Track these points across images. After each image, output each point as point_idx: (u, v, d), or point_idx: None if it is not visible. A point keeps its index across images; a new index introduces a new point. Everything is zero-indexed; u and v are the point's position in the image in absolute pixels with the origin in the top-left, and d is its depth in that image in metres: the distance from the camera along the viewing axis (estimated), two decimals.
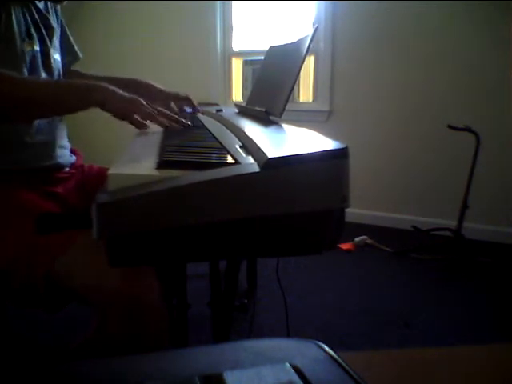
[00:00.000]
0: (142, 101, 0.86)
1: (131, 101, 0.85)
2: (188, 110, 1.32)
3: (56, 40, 1.07)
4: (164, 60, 3.33)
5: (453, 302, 1.87)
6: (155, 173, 0.53)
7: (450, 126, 2.18)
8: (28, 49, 0.94)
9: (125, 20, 3.40)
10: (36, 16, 0.99)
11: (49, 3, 1.06)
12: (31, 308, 0.88)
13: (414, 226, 2.60)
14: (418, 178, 2.72)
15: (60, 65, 1.08)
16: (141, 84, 1.25)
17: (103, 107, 0.83)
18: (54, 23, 1.06)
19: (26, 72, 0.93)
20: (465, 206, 2.22)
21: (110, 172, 0.51)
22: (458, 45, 2.50)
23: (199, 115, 1.27)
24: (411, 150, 2.72)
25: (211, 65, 3.17)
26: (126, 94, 0.85)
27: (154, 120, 0.86)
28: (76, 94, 0.85)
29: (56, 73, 1.05)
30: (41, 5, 1.02)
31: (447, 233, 2.32)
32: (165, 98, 1.22)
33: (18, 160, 0.95)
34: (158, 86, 1.25)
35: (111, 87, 0.84)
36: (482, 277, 2.10)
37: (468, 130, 2.17)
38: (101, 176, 1.14)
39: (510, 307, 1.83)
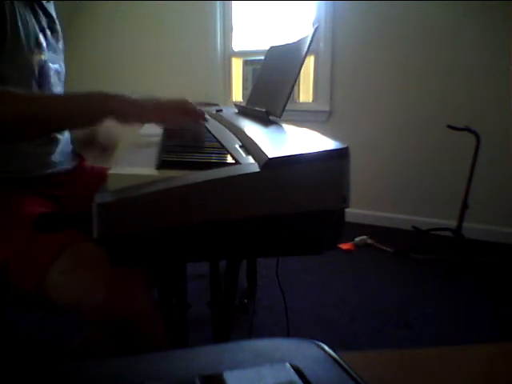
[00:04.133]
0: (161, 101, 0.80)
1: (151, 106, 0.78)
2: None
3: (61, 44, 1.06)
4: (164, 60, 3.33)
5: (453, 302, 1.87)
6: (155, 173, 0.53)
7: (449, 126, 2.18)
8: (37, 59, 0.92)
9: (125, 20, 3.40)
10: (43, 22, 0.96)
11: (54, 3, 1.03)
12: (32, 313, 0.88)
13: (414, 226, 2.60)
14: (417, 178, 2.72)
15: (65, 69, 1.07)
16: None
17: (117, 118, 0.76)
18: (58, 26, 1.05)
19: (34, 83, 0.91)
20: (465, 205, 2.22)
21: (109, 172, 0.51)
22: (458, 45, 2.51)
23: None
24: (411, 150, 2.72)
25: (211, 65, 3.17)
26: (140, 98, 0.78)
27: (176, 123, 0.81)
28: (87, 107, 0.78)
29: (63, 79, 1.05)
30: (50, 6, 1.00)
31: (447, 233, 2.32)
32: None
33: (20, 169, 0.94)
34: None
35: (123, 94, 0.77)
36: (481, 277, 2.10)
37: (468, 130, 2.17)
38: (103, 176, 1.12)
39: (510, 307, 1.83)
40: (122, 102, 0.76)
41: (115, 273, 0.71)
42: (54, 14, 1.03)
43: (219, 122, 1.03)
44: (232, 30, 3.16)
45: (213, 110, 1.27)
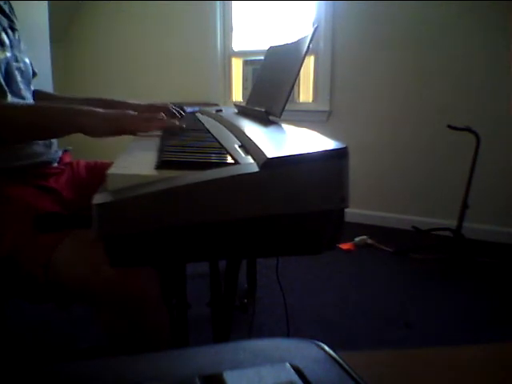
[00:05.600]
0: (130, 113, 0.84)
1: (117, 119, 0.82)
2: (188, 109, 1.31)
3: (22, 43, 1.07)
4: (164, 60, 3.33)
5: (453, 303, 1.87)
6: (155, 173, 0.53)
7: (449, 126, 2.18)
8: (1, 57, 0.94)
9: (125, 20, 3.40)
10: (2, 20, 0.99)
11: (9, 4, 1.06)
12: (41, 303, 0.88)
13: (414, 226, 2.60)
14: (418, 178, 2.72)
15: (30, 69, 1.09)
16: (116, 104, 1.19)
17: (86, 134, 0.81)
18: (18, 26, 1.07)
19: (2, 80, 0.93)
20: (465, 205, 2.22)
21: (109, 172, 0.51)
22: (458, 45, 2.51)
23: (199, 115, 1.27)
24: (411, 150, 2.72)
25: (211, 65, 3.17)
26: (110, 114, 0.83)
27: (146, 129, 0.84)
28: (58, 120, 0.84)
29: (28, 77, 1.06)
30: (6, 7, 1.02)
31: (447, 233, 2.32)
32: (145, 110, 1.17)
33: (3, 160, 0.95)
34: (133, 101, 1.21)
35: (94, 109, 0.82)
36: (481, 277, 2.10)
37: (468, 130, 2.17)
38: (89, 169, 1.16)
39: (510, 307, 1.83)
40: (92, 117, 0.81)
41: None
42: (12, 14, 1.05)
43: (219, 122, 1.03)
44: (232, 30, 3.16)
45: (213, 109, 1.27)
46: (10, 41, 1.00)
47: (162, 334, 0.80)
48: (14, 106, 0.89)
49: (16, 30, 1.05)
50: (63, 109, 0.86)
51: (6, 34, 0.99)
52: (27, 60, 1.08)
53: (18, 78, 1.00)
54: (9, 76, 0.96)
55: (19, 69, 1.02)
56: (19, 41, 1.06)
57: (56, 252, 0.77)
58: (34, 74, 1.18)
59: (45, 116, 0.84)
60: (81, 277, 0.76)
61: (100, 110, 0.82)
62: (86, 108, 0.83)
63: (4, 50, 0.96)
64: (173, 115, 1.18)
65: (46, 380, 0.25)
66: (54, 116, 0.84)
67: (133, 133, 0.85)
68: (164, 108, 1.19)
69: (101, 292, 0.74)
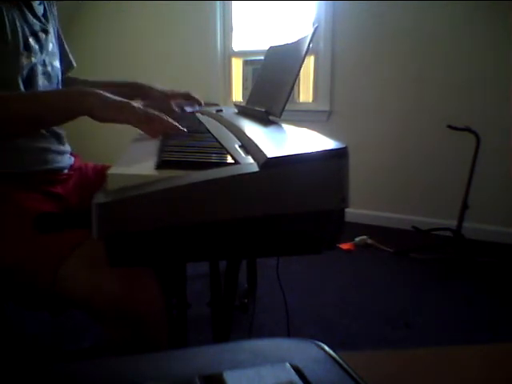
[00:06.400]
0: (135, 105, 0.80)
1: (121, 107, 0.79)
2: (188, 109, 1.31)
3: (54, 46, 1.05)
4: (164, 60, 3.33)
5: (453, 302, 1.87)
6: (155, 173, 0.53)
7: (449, 126, 2.18)
8: (26, 62, 0.91)
9: (125, 20, 3.40)
10: (35, 24, 0.95)
11: (46, 4, 1.02)
12: (34, 310, 0.88)
13: (414, 226, 2.60)
14: (418, 178, 2.72)
15: (60, 72, 1.07)
16: (141, 87, 1.23)
17: (92, 116, 0.78)
18: (52, 27, 1.04)
19: (21, 84, 0.91)
20: (465, 205, 2.22)
21: (109, 172, 0.51)
22: (458, 45, 2.50)
23: (199, 115, 1.27)
24: (411, 150, 2.72)
25: (211, 65, 3.17)
26: (116, 99, 0.79)
27: (146, 130, 0.81)
28: (58, 106, 0.80)
29: (55, 80, 1.04)
30: (41, 8, 0.99)
31: (447, 233, 2.32)
32: (166, 99, 1.22)
33: (19, 165, 0.94)
34: (159, 87, 1.24)
35: (100, 92, 0.78)
36: (481, 277, 2.10)
37: (468, 130, 2.17)
38: (96, 172, 1.15)
39: (510, 307, 1.83)
40: (98, 100, 0.78)
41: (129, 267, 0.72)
42: (43, 14, 1.01)
43: (219, 121, 1.03)
44: (232, 30, 3.16)
45: (213, 109, 1.27)
46: (41, 45, 0.96)
47: (161, 344, 0.80)
48: (4, 97, 0.84)
49: (48, 32, 1.00)
50: (64, 92, 0.83)
51: (36, 38, 0.95)
52: (56, 63, 1.05)
53: (40, 83, 0.97)
54: (30, 82, 0.93)
55: (46, 73, 0.99)
56: (49, 43, 1.02)
57: (63, 269, 0.76)
58: (71, 66, 1.20)
59: (43, 101, 0.81)
60: (84, 294, 0.75)
61: (103, 92, 0.79)
62: (89, 89, 0.80)
63: (29, 56, 0.92)
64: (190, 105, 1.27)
65: (46, 380, 0.25)
66: (53, 100, 0.81)
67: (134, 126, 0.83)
68: (184, 95, 1.28)
69: (105, 309, 0.74)
